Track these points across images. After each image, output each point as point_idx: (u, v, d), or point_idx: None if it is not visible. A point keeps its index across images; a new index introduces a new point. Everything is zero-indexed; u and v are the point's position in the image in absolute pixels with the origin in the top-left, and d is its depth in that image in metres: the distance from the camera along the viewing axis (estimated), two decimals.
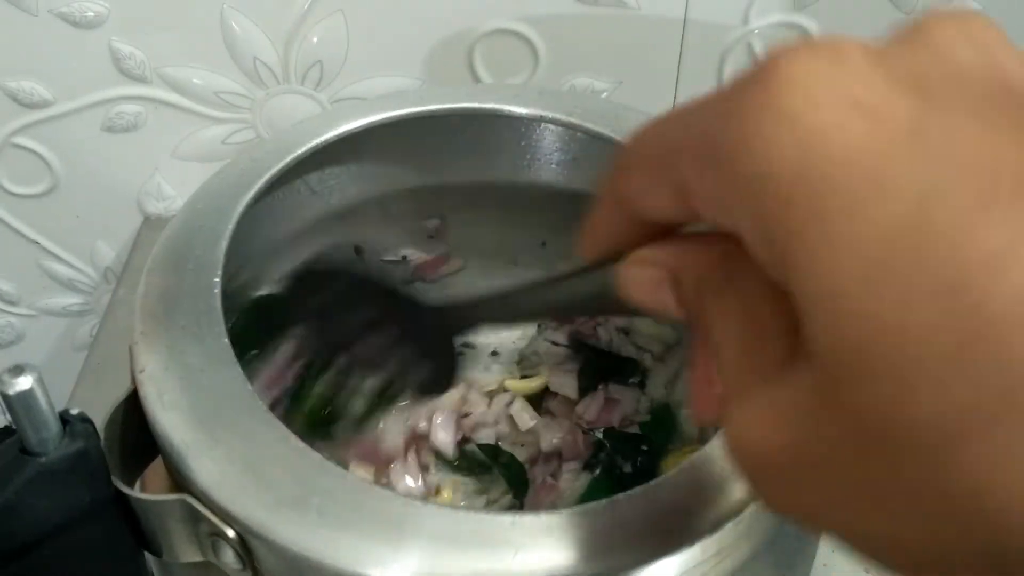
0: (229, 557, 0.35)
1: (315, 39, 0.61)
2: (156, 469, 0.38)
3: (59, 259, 0.74)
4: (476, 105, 0.51)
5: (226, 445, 0.35)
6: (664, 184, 0.23)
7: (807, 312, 0.18)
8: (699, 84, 0.64)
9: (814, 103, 0.18)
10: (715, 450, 0.35)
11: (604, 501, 0.33)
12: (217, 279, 0.41)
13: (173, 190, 0.70)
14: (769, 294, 0.21)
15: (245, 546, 0.34)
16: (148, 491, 0.40)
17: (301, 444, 0.35)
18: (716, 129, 0.20)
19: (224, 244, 0.43)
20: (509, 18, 0.61)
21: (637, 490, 0.34)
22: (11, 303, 0.77)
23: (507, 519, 0.33)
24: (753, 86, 0.19)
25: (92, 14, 0.60)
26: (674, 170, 0.22)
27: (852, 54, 0.19)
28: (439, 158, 0.54)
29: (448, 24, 0.62)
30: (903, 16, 0.60)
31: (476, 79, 0.64)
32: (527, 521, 0.33)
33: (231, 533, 0.34)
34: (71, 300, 0.77)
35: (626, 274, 0.26)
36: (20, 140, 0.66)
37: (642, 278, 0.26)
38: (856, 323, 0.17)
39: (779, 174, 0.18)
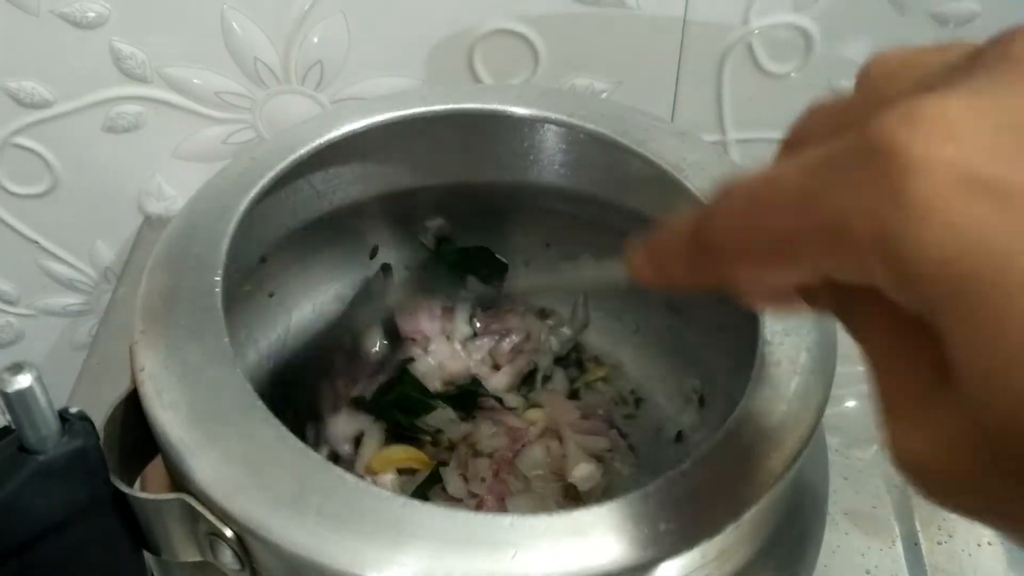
0: (227, 557, 0.35)
1: (315, 39, 0.61)
2: (156, 468, 0.38)
3: (59, 259, 0.74)
4: (479, 106, 0.51)
5: (225, 444, 0.35)
6: (783, 269, 0.23)
7: (960, 364, 0.19)
8: (699, 84, 0.64)
9: (941, 194, 0.18)
10: (713, 453, 0.35)
11: (603, 504, 0.33)
12: (218, 278, 0.41)
13: (173, 190, 0.70)
14: (910, 324, 0.21)
15: (243, 546, 0.34)
16: (148, 490, 0.40)
17: (300, 444, 0.35)
18: (840, 221, 0.20)
19: (226, 243, 0.43)
20: (509, 18, 0.61)
21: (636, 493, 0.34)
22: (10, 303, 0.77)
23: (506, 520, 0.33)
24: (872, 173, 0.19)
25: (93, 14, 0.60)
26: (795, 259, 0.22)
27: (958, 119, 0.19)
28: (442, 158, 0.54)
29: (448, 24, 0.62)
30: (903, 18, 0.60)
31: (476, 79, 0.64)
32: (526, 522, 0.33)
33: (229, 533, 0.34)
34: (71, 300, 0.77)
35: (747, 280, 0.25)
36: (20, 140, 0.66)
37: (767, 285, 0.25)
38: (1010, 393, 0.18)
39: (923, 274, 0.19)
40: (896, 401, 0.22)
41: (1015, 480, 0.19)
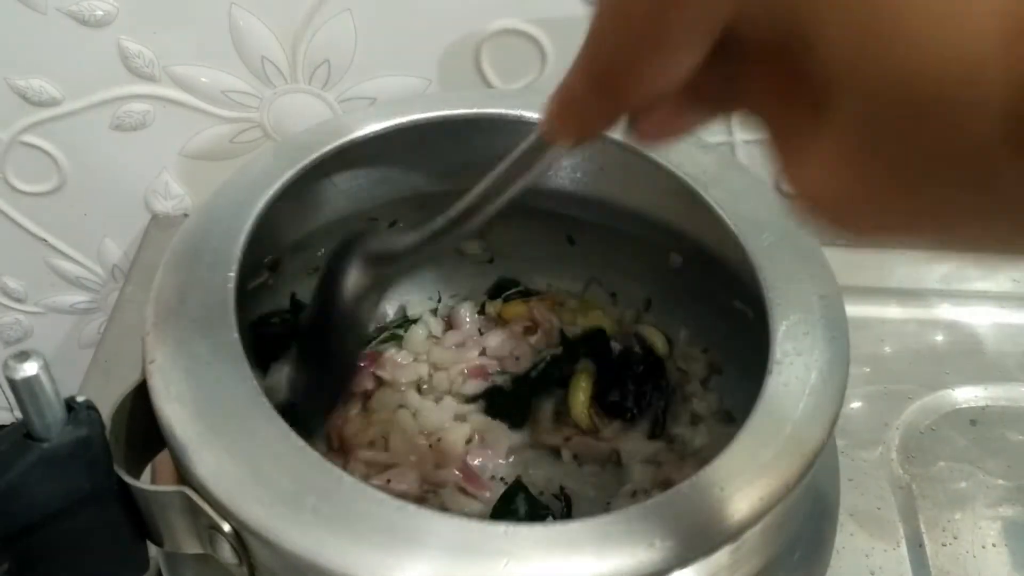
0: (226, 551, 0.35)
1: (323, 38, 0.62)
2: (168, 459, 0.38)
3: (67, 257, 0.74)
4: (503, 111, 0.51)
5: (227, 439, 0.35)
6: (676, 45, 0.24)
7: (832, 62, 0.20)
8: None
9: None
10: (714, 473, 0.35)
11: (598, 517, 0.34)
12: (232, 274, 0.41)
13: (180, 188, 0.70)
14: (783, 79, 0.23)
15: (241, 541, 0.34)
16: (158, 481, 0.40)
17: (301, 442, 0.35)
18: None
19: (242, 240, 0.43)
20: (516, 18, 0.61)
21: (634, 508, 0.34)
22: (19, 300, 0.78)
23: (500, 528, 0.33)
24: None
25: (101, 12, 0.60)
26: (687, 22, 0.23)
27: None
28: (462, 162, 0.54)
29: (455, 24, 0.62)
30: None
31: (483, 79, 0.64)
32: (520, 531, 0.33)
33: (227, 528, 0.34)
34: (78, 298, 0.78)
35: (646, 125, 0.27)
36: (28, 138, 0.66)
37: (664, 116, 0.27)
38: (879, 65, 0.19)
39: None
40: (789, 143, 0.23)
41: (899, 167, 0.20)
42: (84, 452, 0.32)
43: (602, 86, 0.26)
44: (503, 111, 0.51)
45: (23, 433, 0.31)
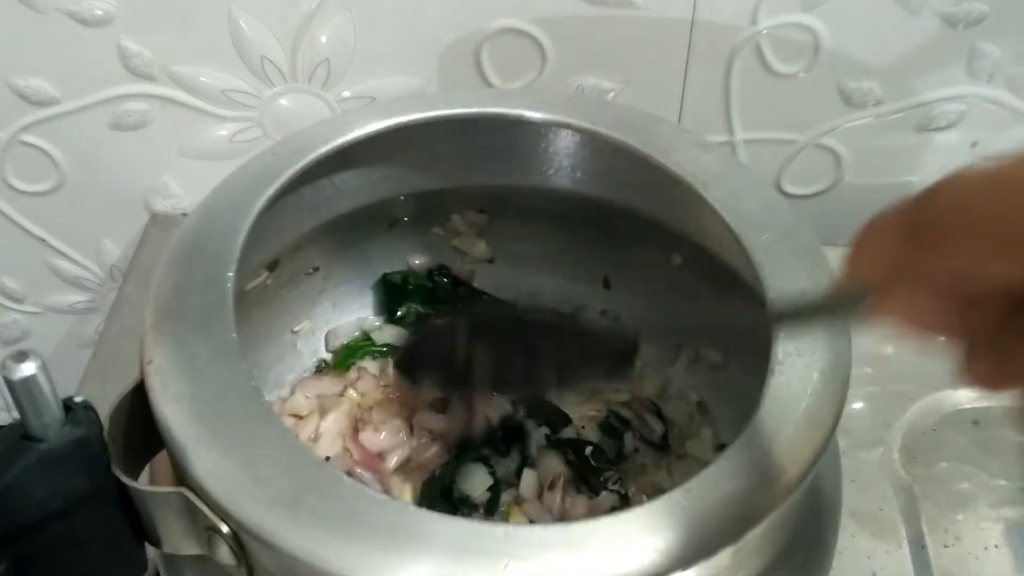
0: (224, 552, 0.35)
1: (323, 38, 0.62)
2: (166, 460, 0.38)
3: (65, 256, 0.74)
4: (503, 111, 0.51)
5: (225, 440, 0.35)
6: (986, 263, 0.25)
7: None
8: (707, 84, 0.64)
9: None
10: (715, 474, 0.35)
11: (599, 519, 0.33)
12: (231, 274, 0.41)
13: (180, 188, 0.70)
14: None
15: (239, 542, 0.34)
16: (157, 482, 0.40)
17: (300, 443, 0.35)
18: None
19: (240, 239, 0.43)
20: (517, 18, 0.61)
21: (635, 509, 0.34)
22: (17, 300, 0.78)
23: (499, 530, 0.33)
24: None
25: (100, 12, 0.60)
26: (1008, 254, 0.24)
27: None
28: (463, 162, 0.55)
29: (456, 23, 0.62)
30: (911, 19, 0.60)
31: (484, 79, 0.64)
32: (520, 533, 0.33)
33: (225, 529, 0.34)
34: (77, 297, 0.78)
35: (906, 299, 0.28)
36: (28, 138, 0.66)
37: (926, 306, 0.27)
38: None
39: None
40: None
41: None
42: (82, 453, 0.32)
43: (920, 239, 0.27)
44: (503, 111, 0.51)
45: (21, 433, 0.31)
